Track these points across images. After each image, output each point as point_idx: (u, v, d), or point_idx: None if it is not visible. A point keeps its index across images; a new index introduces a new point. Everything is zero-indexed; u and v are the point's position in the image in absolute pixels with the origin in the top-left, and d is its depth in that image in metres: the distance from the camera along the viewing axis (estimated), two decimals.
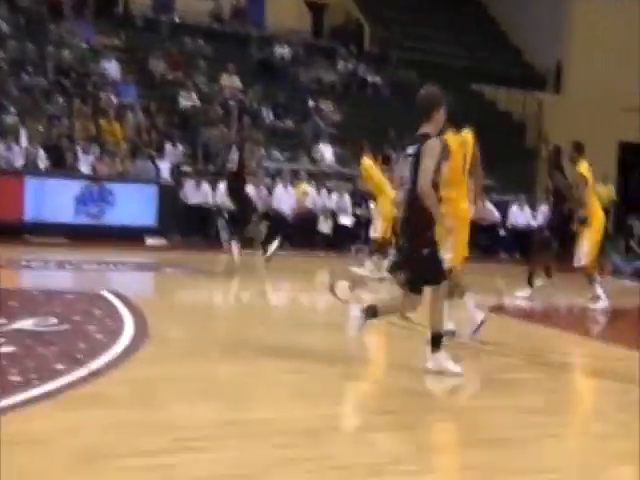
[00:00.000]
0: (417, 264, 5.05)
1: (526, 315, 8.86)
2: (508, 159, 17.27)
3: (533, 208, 15.27)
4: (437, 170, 4.97)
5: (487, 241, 14.96)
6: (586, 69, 19.30)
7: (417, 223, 4.98)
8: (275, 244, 10.05)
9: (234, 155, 10.13)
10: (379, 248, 10.24)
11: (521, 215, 14.91)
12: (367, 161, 10.17)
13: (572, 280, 10.06)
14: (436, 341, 5.04)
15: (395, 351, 6.54)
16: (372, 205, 13.85)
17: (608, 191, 16.07)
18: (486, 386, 5.05)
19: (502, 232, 14.94)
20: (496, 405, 4.71)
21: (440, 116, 5.04)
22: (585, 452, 3.87)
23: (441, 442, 3.84)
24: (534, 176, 17.63)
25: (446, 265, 5.64)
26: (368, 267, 9.94)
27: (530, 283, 9.49)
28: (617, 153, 18.60)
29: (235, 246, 9.85)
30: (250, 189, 13.36)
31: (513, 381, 5.26)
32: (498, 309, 8.98)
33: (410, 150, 5.02)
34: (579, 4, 19.83)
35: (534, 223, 14.84)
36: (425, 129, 5.01)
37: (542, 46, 20.74)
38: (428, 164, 4.87)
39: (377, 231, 10.13)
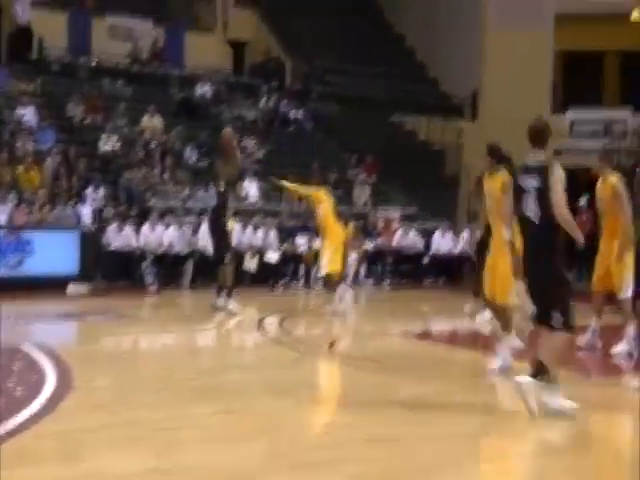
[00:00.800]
0: (566, 297, 4.97)
1: (452, 340, 9.12)
2: (430, 187, 17.77)
3: (455, 234, 15.70)
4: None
5: (411, 269, 15.33)
6: (501, 97, 20.08)
7: (552, 256, 4.93)
8: (234, 305, 10.01)
9: (212, 190, 10.36)
10: (332, 282, 10.36)
11: (444, 242, 15.31)
12: (322, 191, 10.27)
13: None
14: (553, 381, 4.95)
15: (328, 386, 6.65)
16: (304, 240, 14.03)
17: None
18: (417, 413, 5.19)
19: (426, 259, 15.29)
20: (429, 433, 4.83)
21: (551, 145, 5.17)
22: (521, 476, 4.03)
23: (374, 474, 3.95)
24: (455, 203, 18.16)
25: None
26: (341, 301, 10.04)
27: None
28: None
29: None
30: (173, 229, 13.42)
31: (443, 406, 5.43)
32: (424, 335, 9.23)
33: (531, 182, 5.00)
34: (492, 36, 20.69)
35: (457, 250, 15.28)
36: (540, 157, 5.05)
37: (458, 76, 21.50)
38: (561, 191, 4.91)
39: (325, 268, 10.25)
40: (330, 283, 10.43)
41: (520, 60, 20.03)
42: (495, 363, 6.42)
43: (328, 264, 10.19)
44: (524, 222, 5.07)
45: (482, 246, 7.28)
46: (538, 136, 5.11)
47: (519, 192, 5.08)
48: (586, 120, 19.89)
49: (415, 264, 15.30)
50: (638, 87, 19.99)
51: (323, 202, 10.13)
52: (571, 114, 20.06)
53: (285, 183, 10.45)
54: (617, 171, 7.48)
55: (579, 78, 21.19)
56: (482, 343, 9.04)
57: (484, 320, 9.72)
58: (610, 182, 7.33)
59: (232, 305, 10.03)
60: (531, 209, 5.00)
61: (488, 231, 6.78)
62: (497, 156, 6.54)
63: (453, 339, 9.37)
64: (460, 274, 15.45)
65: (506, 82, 20.02)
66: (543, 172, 4.97)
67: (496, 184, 6.35)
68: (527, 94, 19.86)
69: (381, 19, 24.29)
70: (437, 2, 22.14)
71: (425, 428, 4.88)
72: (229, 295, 10.11)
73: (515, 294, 6.23)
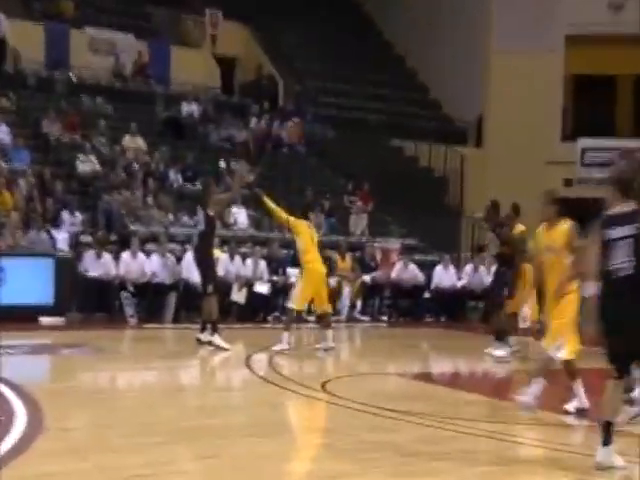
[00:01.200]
0: None
1: (452, 382, 9.11)
2: (431, 216, 17.84)
3: (458, 268, 15.73)
4: None
5: (411, 304, 15.33)
6: (508, 122, 20.26)
7: None
8: (219, 340, 9.99)
9: (200, 215, 10.36)
10: (322, 320, 10.41)
11: (446, 276, 15.33)
12: (303, 222, 10.27)
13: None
14: (606, 430, 4.98)
15: (318, 430, 6.62)
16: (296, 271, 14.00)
17: None
18: (416, 462, 5.17)
19: (426, 294, 15.30)
20: None
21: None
22: None
23: None
24: (458, 234, 18.21)
25: None
26: (285, 340, 10.00)
27: (504, 341, 10.09)
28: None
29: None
30: (156, 257, 13.40)
31: (444, 454, 5.39)
32: (424, 376, 9.22)
33: (618, 232, 5.00)
34: (498, 57, 20.91)
35: (459, 284, 15.30)
36: (629, 207, 5.04)
37: (462, 99, 21.70)
38: None
39: (291, 302, 10.27)
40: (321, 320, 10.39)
41: (528, 84, 20.25)
42: (525, 396, 6.49)
43: (295, 299, 10.19)
44: (607, 274, 5.05)
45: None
46: (628, 187, 5.11)
47: (603, 245, 5.08)
48: (598, 148, 20.07)
49: (415, 299, 15.31)
50: None
51: (301, 234, 10.12)
52: (582, 142, 20.24)
53: (267, 200, 10.49)
54: None
55: (591, 103, 21.41)
56: (486, 384, 9.04)
57: (498, 355, 9.84)
58: None
59: (217, 340, 10.00)
60: (621, 259, 4.99)
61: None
62: (559, 205, 6.61)
63: (455, 381, 9.36)
64: (463, 311, 15.47)
65: (513, 107, 20.21)
66: (634, 218, 4.99)
67: (558, 236, 6.49)
68: (535, 120, 20.06)
69: (380, 38, 24.58)
70: (440, 21, 22.44)
71: (426, 479, 4.86)
72: (214, 329, 10.09)
73: (559, 347, 6.39)
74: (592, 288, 5.18)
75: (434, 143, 20.51)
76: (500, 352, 9.99)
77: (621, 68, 21.44)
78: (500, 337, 10.24)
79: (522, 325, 10.24)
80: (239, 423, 6.25)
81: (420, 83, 23.75)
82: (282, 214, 10.32)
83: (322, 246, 12.56)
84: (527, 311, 10.21)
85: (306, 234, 10.14)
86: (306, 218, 10.47)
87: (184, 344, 10.64)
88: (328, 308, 10.47)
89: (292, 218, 10.23)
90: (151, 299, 13.20)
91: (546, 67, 20.56)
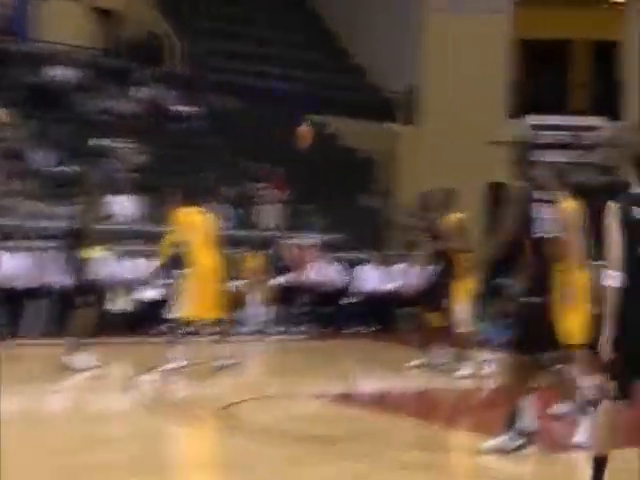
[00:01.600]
0: None
1: (379, 404, 9.20)
2: (354, 205, 17.96)
3: (387, 267, 15.88)
4: None
5: (333, 311, 15.42)
6: (445, 95, 20.53)
7: None
8: (91, 358, 9.93)
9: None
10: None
11: (372, 278, 15.49)
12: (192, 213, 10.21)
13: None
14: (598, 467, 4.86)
15: (217, 465, 6.59)
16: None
17: None
18: None
19: (348, 299, 15.40)
20: None
21: None
22: None
23: None
24: (387, 228, 18.37)
25: None
26: (175, 357, 9.92)
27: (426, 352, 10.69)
28: (485, 196, 19.81)
29: None
30: (18, 257, 13.16)
31: None
32: (347, 397, 9.28)
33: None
34: (435, 17, 21.16)
35: (390, 286, 15.47)
36: None
37: (391, 67, 21.91)
38: None
39: (181, 309, 10.19)
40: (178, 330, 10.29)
41: (470, 49, 20.55)
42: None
43: (181, 306, 10.15)
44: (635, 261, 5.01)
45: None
46: None
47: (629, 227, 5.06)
48: (550, 126, 20.56)
49: (336, 305, 15.41)
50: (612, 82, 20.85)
51: (188, 228, 10.12)
52: (532, 119, 20.69)
53: (165, 251, 10.52)
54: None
55: (542, 73, 21.90)
56: (419, 406, 9.17)
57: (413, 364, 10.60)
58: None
59: (88, 359, 9.97)
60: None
61: None
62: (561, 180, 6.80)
63: (382, 402, 9.44)
64: (392, 318, 15.64)
65: (451, 77, 20.50)
66: None
67: (562, 214, 6.61)
68: (478, 93, 20.38)
69: None
70: None
71: None
72: (84, 345, 10.04)
73: None
74: (615, 278, 4.97)
75: (357, 119, 20.63)
76: (415, 362, 10.77)
77: (577, 32, 22.00)
78: (424, 347, 10.81)
79: (459, 330, 10.36)
80: (118, 460, 6.15)
81: (341, 47, 23.87)
82: (174, 237, 10.25)
83: (226, 242, 12.53)
84: (462, 311, 10.36)
85: (192, 227, 10.13)
86: (196, 208, 10.43)
87: (52, 364, 10.43)
88: (222, 316, 10.44)
89: (178, 222, 10.12)
90: (11, 308, 12.95)
91: (490, 31, 20.89)
